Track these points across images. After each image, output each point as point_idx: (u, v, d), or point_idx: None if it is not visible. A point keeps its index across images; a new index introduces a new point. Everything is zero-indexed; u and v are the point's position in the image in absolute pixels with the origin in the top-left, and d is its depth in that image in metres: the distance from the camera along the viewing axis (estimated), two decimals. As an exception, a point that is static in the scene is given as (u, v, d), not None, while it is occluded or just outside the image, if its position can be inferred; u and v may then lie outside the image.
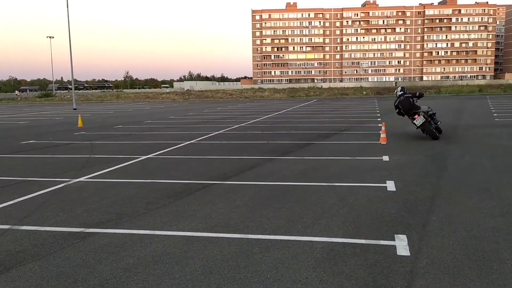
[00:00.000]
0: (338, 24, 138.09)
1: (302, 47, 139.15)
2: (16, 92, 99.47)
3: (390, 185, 7.38)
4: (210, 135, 15.67)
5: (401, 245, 4.71)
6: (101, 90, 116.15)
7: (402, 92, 13.71)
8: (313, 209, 6.12)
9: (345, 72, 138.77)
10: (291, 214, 5.94)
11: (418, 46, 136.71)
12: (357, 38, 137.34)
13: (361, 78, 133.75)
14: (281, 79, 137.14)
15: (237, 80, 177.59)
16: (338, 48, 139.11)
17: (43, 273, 4.23)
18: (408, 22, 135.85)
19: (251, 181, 8.02)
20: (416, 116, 12.72)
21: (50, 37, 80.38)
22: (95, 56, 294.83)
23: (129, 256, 4.61)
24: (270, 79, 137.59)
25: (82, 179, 8.46)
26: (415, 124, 12.78)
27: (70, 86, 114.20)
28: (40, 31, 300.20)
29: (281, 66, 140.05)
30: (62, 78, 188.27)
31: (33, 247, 4.91)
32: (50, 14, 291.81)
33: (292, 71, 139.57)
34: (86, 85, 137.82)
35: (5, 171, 9.53)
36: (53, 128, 19.74)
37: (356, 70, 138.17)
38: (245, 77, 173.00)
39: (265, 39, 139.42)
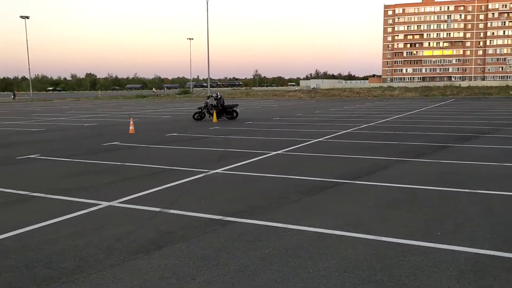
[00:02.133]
0: (482, 17, 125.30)
1: (439, 42, 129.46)
2: (153, 89, 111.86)
3: (548, 197, 6.52)
4: (339, 133, 15.53)
5: None
6: (232, 88, 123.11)
7: (220, 96, 22.66)
8: (452, 216, 5.70)
9: (488, 70, 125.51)
10: (427, 219, 5.62)
11: None
12: (504, 32, 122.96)
13: (507, 76, 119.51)
14: (413, 77, 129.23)
15: (365, 78, 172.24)
16: (481, 43, 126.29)
17: (190, 253, 4.66)
18: None
19: (382, 182, 7.76)
20: (237, 106, 23.10)
21: (190, 38, 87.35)
22: (227, 55, 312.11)
23: (264, 246, 4.83)
24: (400, 77, 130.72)
25: (219, 170, 9.09)
26: (235, 110, 22.63)
27: (205, 84, 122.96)
28: (181, 33, 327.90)
29: (414, 63, 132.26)
30: (198, 76, 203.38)
31: (180, 229, 5.44)
32: (190, 17, 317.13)
33: (426, 69, 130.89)
34: (219, 83, 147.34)
35: (155, 160, 10.67)
36: (191, 123, 21.48)
37: (502, 67, 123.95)
38: (374, 75, 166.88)
39: (397, 35, 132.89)
